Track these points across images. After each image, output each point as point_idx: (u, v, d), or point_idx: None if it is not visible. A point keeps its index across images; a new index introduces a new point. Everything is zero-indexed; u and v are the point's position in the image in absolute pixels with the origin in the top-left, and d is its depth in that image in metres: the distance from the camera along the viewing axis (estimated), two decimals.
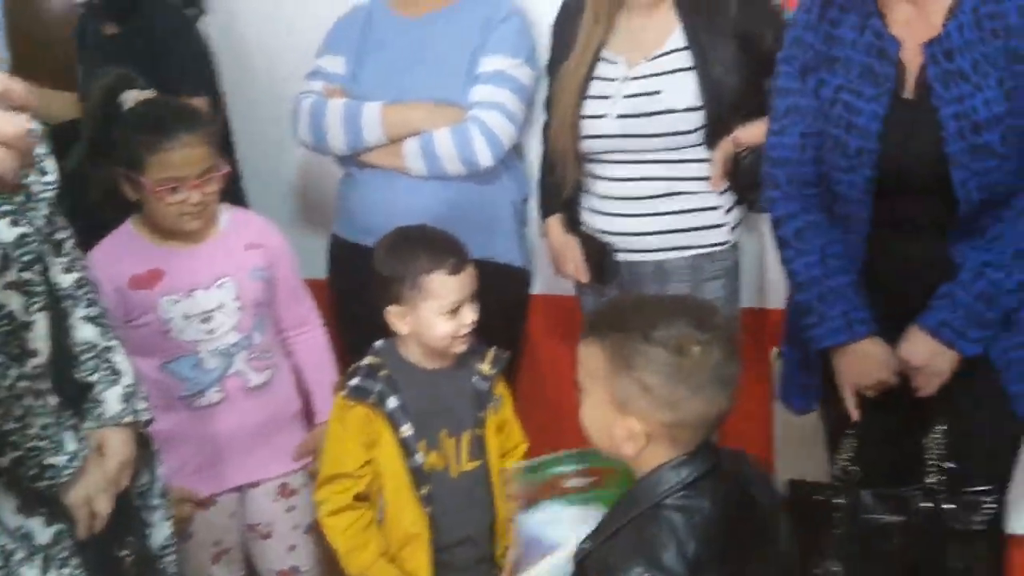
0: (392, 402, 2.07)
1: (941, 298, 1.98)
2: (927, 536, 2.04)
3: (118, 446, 1.73)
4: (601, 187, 2.49)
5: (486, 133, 2.55)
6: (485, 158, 2.57)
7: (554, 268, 2.64)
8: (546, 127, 2.61)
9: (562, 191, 2.55)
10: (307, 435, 2.46)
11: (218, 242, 2.32)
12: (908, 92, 1.95)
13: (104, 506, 1.67)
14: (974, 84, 1.89)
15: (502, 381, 2.20)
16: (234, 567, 2.47)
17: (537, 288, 2.88)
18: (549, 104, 2.58)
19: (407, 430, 2.07)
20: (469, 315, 2.07)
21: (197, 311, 2.25)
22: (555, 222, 2.60)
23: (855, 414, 2.10)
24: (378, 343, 2.14)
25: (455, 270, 2.05)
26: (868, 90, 1.96)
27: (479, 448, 2.13)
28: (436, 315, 2.05)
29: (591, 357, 1.52)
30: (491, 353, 2.17)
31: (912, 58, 1.96)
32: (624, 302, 1.61)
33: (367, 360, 2.11)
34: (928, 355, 2.00)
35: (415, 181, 2.61)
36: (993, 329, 1.98)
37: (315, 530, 2.39)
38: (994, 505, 2.04)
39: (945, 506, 2.03)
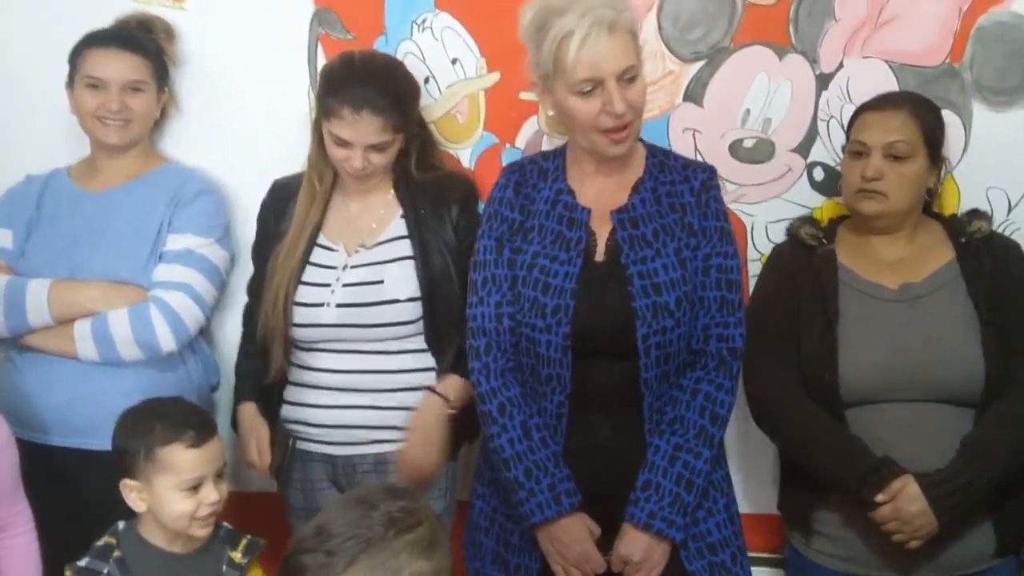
0: None
1: (644, 488, 2.03)
2: None
3: None
4: (315, 377, 2.36)
5: (168, 315, 2.36)
6: (167, 342, 2.37)
7: (242, 453, 2.43)
8: (248, 311, 2.48)
9: (263, 378, 2.39)
10: None
11: None
12: (599, 255, 2.09)
13: None
14: (655, 250, 2.06)
15: (257, 571, 2.03)
16: None
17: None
18: (253, 288, 2.46)
19: None
20: (212, 494, 1.94)
21: None
22: (249, 408, 2.42)
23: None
24: (120, 523, 1.98)
25: (195, 443, 1.93)
26: (562, 255, 2.08)
27: None
28: (173, 491, 1.92)
29: None
30: (244, 541, 2.03)
31: (601, 225, 2.11)
32: (309, 543, 1.48)
33: (102, 540, 1.95)
34: (645, 548, 2.04)
35: (86, 367, 2.37)
36: (691, 513, 2.05)
37: None
38: None
39: None
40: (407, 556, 1.40)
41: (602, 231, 2.10)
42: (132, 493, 1.93)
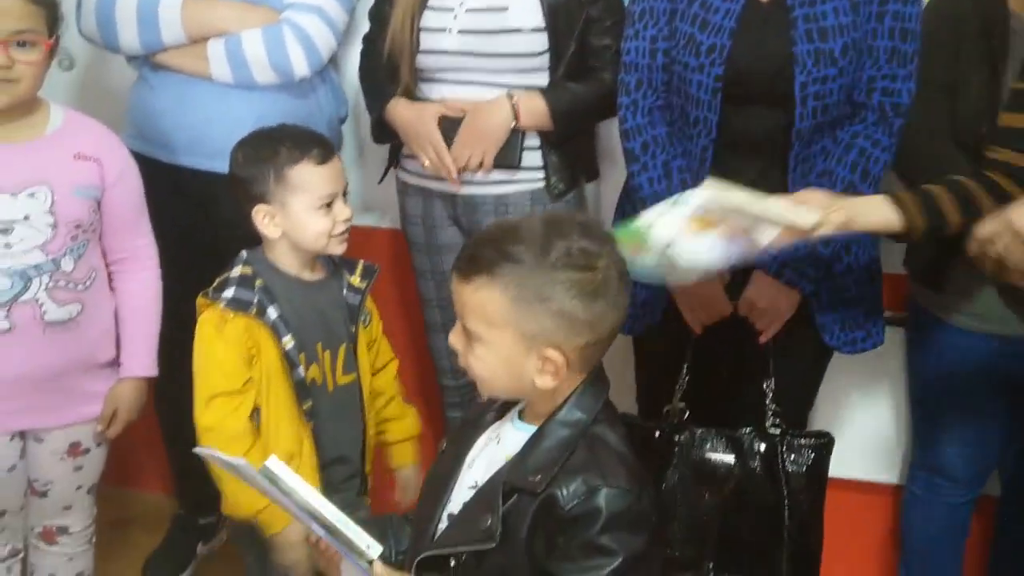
0: (272, 312, 1.90)
1: None
2: (760, 476, 2.05)
3: None
4: None
5: (302, 38, 2.31)
6: (300, 67, 2.33)
7: (413, 149, 2.34)
8: (369, 40, 2.40)
9: (398, 83, 2.30)
10: (108, 392, 2.13)
11: (41, 143, 1.98)
12: None
13: None
14: None
15: (370, 297, 2.07)
16: (9, 539, 2.13)
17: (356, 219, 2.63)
18: (376, 13, 2.37)
19: (289, 342, 1.90)
20: (345, 210, 1.94)
21: None
22: (402, 101, 2.31)
23: (698, 328, 2.11)
24: (244, 252, 1.97)
25: (323, 160, 1.91)
26: None
27: (352, 362, 2.02)
28: (309, 211, 1.90)
29: (487, 302, 1.40)
30: (361, 265, 2.05)
31: None
32: (494, 234, 1.47)
33: (237, 270, 1.93)
34: (773, 296, 2.03)
35: (220, 89, 2.34)
36: (824, 266, 2.02)
37: (98, 490, 2.20)
38: (822, 448, 2.07)
39: (779, 448, 2.05)
40: (563, 291, 1.37)
41: None
42: (265, 218, 1.92)
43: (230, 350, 1.87)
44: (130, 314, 2.15)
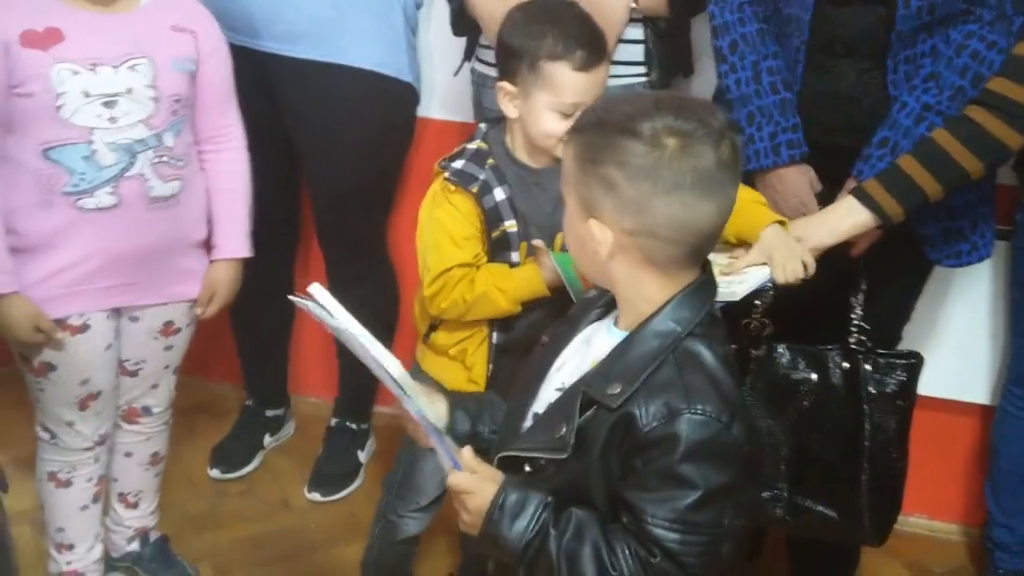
0: (498, 194, 1.82)
1: (880, 146, 1.87)
2: (841, 395, 1.95)
3: None
4: None
5: None
6: None
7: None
8: None
9: None
10: (206, 274, 2.12)
11: (138, 14, 1.94)
12: None
13: None
14: None
15: None
16: (103, 422, 2.11)
17: (426, 111, 2.58)
18: None
19: (511, 226, 1.83)
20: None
21: (99, 91, 1.86)
22: None
23: None
24: (483, 124, 1.90)
25: (584, 67, 1.76)
26: None
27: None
28: (548, 111, 1.78)
29: (566, 159, 1.33)
30: None
31: None
32: (615, 97, 1.37)
33: (474, 143, 1.86)
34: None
35: None
36: None
37: (192, 374, 2.20)
38: (911, 370, 1.95)
39: (863, 366, 1.94)
40: (612, 156, 1.25)
41: None
42: (506, 98, 1.81)
43: (461, 219, 1.81)
44: (222, 195, 2.12)
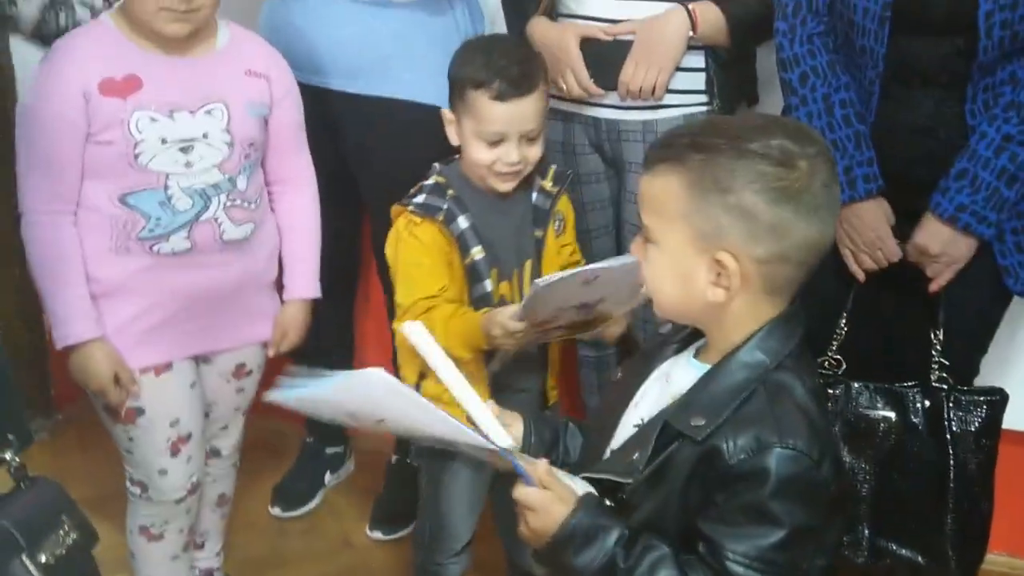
0: (462, 222, 1.85)
1: (959, 178, 1.84)
2: (923, 434, 1.92)
3: None
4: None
5: None
6: None
7: (550, 72, 2.17)
8: None
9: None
10: (277, 315, 2.11)
11: (214, 60, 1.94)
12: None
13: None
14: None
15: (566, 199, 1.99)
16: (194, 469, 2.09)
17: None
18: None
19: (478, 252, 1.86)
20: (514, 153, 1.83)
21: (176, 136, 1.87)
22: (542, 20, 2.20)
23: (860, 274, 1.97)
24: (438, 163, 1.93)
25: (502, 96, 1.80)
26: None
27: (538, 274, 1.91)
28: (474, 138, 1.84)
29: (665, 189, 1.26)
30: (552, 169, 1.95)
31: None
32: (691, 125, 1.36)
33: (431, 179, 1.90)
34: (947, 241, 1.88)
35: (356, 6, 2.25)
36: (1008, 209, 1.86)
37: (251, 412, 2.21)
38: (995, 407, 1.93)
39: (946, 404, 1.91)
40: (746, 181, 1.21)
41: None
42: (448, 125, 1.87)
43: (426, 252, 1.83)
44: (293, 236, 2.11)
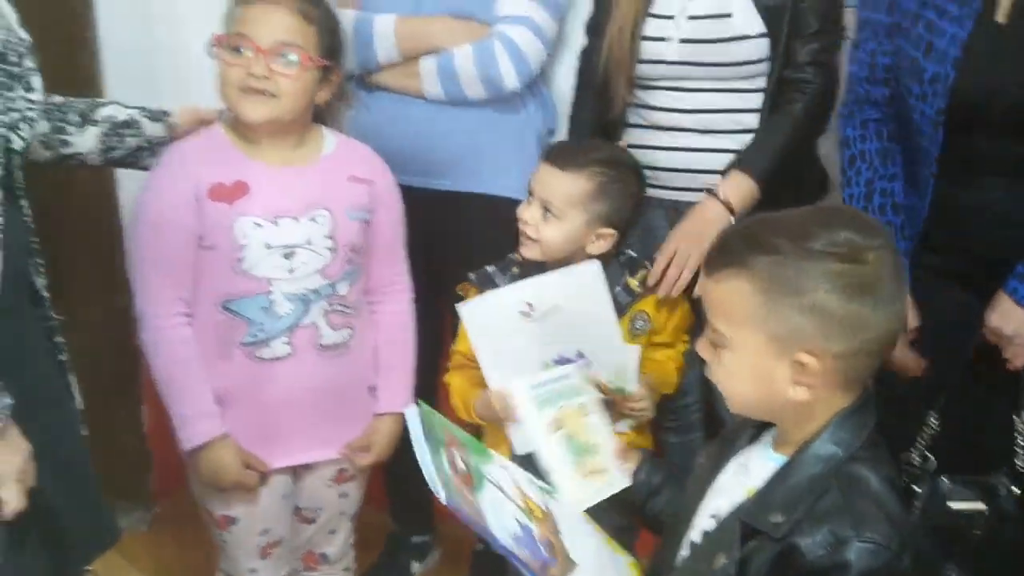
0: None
1: None
2: (1015, 521, 1.83)
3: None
4: (654, 117, 2.22)
5: (512, 51, 2.26)
6: (511, 79, 2.27)
7: None
8: (586, 53, 2.33)
9: (605, 116, 2.25)
10: (365, 427, 2.09)
11: (318, 167, 1.96)
12: (1001, 15, 1.77)
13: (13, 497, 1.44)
14: None
15: (649, 303, 2.04)
16: (284, 565, 2.11)
17: None
18: (592, 25, 2.30)
19: None
20: (532, 211, 1.98)
21: (280, 242, 1.87)
22: None
23: (916, 367, 1.96)
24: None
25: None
26: (953, 9, 1.78)
27: None
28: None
29: (734, 296, 1.27)
30: (643, 272, 2.03)
31: None
32: (749, 224, 1.34)
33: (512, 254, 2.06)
34: (1021, 323, 1.83)
35: (431, 106, 2.33)
36: None
37: (359, 517, 2.23)
38: None
39: None
40: (819, 282, 1.21)
41: None
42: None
43: None
44: (390, 346, 2.10)
